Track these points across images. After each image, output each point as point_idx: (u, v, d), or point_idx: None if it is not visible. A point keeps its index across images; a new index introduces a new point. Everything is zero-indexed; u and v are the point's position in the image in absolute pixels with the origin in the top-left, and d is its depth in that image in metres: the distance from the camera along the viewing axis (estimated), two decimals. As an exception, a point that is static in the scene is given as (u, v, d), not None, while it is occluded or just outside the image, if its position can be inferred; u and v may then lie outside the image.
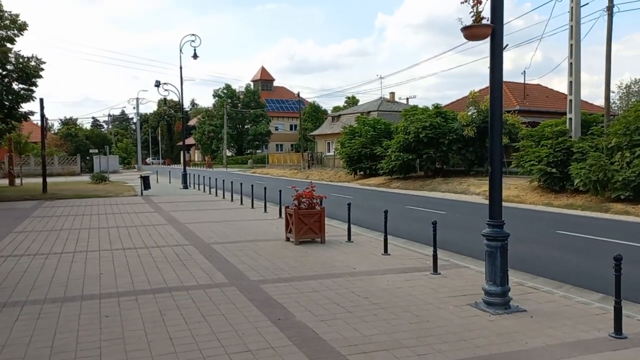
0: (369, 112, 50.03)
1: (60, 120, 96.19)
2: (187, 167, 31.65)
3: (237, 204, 20.22)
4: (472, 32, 6.72)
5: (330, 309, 6.68)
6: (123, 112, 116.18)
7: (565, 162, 20.52)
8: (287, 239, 11.75)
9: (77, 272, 8.77)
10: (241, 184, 21.31)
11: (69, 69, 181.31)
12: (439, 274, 8.64)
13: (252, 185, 19.89)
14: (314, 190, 11.74)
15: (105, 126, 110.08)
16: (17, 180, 34.10)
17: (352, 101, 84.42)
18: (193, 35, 30.22)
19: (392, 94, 56.32)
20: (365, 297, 7.26)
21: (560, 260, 10.13)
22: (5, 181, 34.10)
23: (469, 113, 28.97)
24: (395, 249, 10.80)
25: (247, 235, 12.62)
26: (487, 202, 7.14)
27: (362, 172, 36.64)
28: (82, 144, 58.08)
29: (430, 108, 31.24)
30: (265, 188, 18.27)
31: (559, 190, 20.89)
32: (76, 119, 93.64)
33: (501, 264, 6.73)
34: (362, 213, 17.13)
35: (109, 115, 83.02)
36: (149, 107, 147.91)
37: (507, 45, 24.46)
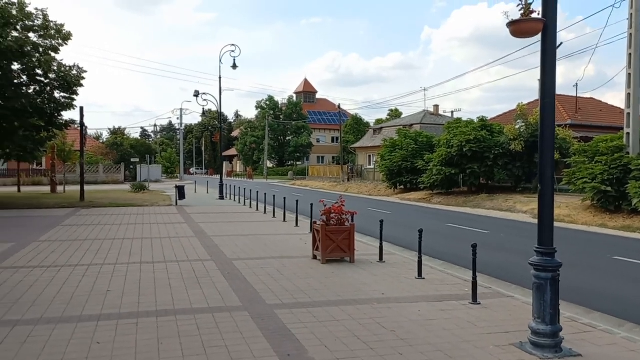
0: (412, 125, 48.90)
1: (109, 129, 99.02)
2: (228, 178, 31.52)
3: (269, 217, 19.57)
4: (519, 27, 5.79)
5: (350, 344, 5.82)
6: (170, 123, 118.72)
7: (622, 180, 18.95)
8: (314, 257, 10.94)
9: (85, 288, 8.21)
10: (274, 196, 20.68)
11: (121, 80, 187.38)
12: (479, 303, 7.64)
13: (285, 198, 19.18)
14: (343, 205, 10.90)
15: (153, 136, 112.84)
16: (60, 188, 34.63)
17: (395, 114, 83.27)
18: (233, 45, 30.10)
19: (436, 106, 54.98)
20: (392, 330, 6.36)
21: (619, 292, 8.93)
22: (50, 188, 34.64)
23: (517, 126, 27.53)
24: (431, 272, 9.82)
25: (272, 251, 11.88)
26: (534, 221, 6.15)
27: (402, 186, 35.52)
28: (126, 153, 59.15)
29: (475, 121, 29.88)
30: (297, 201, 17.53)
31: (615, 210, 19.29)
32: (124, 129, 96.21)
33: (551, 299, 5.71)
34: (398, 230, 16.16)
35: (155, 125, 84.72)
36: (194, 118, 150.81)
37: (561, 43, 23.03)
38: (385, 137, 40.69)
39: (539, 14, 5.78)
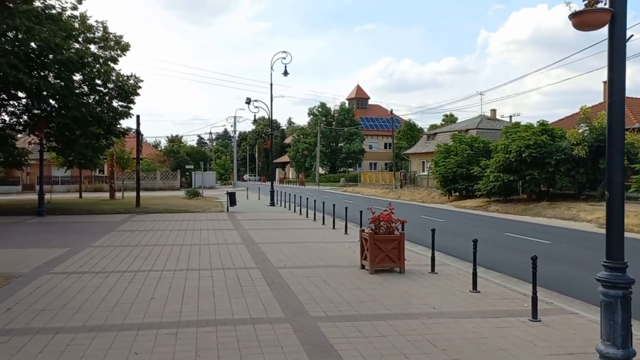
0: (468, 130, 47.60)
1: (167, 137, 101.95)
2: (280, 184, 31.61)
3: (318, 224, 19.32)
4: (583, 19, 5.24)
5: (396, 363, 5.42)
6: (225, 131, 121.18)
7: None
8: (362, 267, 10.56)
9: (130, 295, 8.17)
10: (323, 202, 20.41)
11: (181, 89, 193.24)
12: (539, 321, 7.06)
13: (334, 205, 18.87)
14: (393, 212, 10.47)
15: (209, 144, 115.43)
16: (119, 194, 35.74)
17: (449, 119, 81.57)
18: (284, 52, 30.19)
19: (494, 111, 53.34)
20: (444, 348, 5.91)
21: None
22: (109, 194, 35.80)
23: (580, 130, 26.16)
24: (487, 285, 9.24)
25: (319, 260, 11.58)
26: (600, 230, 5.58)
27: (457, 193, 34.51)
28: (182, 160, 60.60)
29: (535, 125, 28.60)
30: (346, 208, 17.19)
31: (691, 219, 17.86)
32: (181, 137, 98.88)
33: (623, 320, 5.10)
34: (452, 239, 15.51)
35: (210, 133, 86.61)
36: (248, 126, 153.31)
37: (631, 36, 21.42)
38: (439, 143, 39.71)
39: (605, 4, 5.22)
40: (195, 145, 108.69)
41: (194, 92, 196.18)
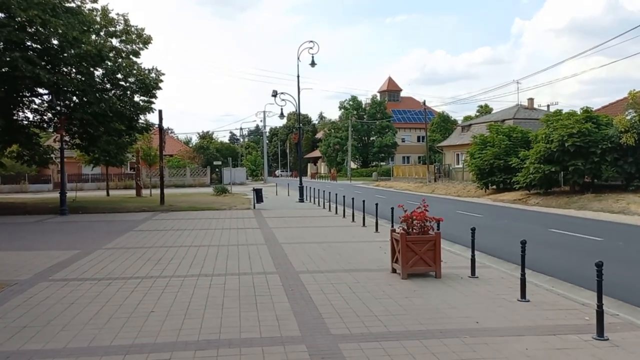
0: (504, 120, 45.53)
1: (198, 134, 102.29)
2: (311, 180, 30.64)
3: (347, 221, 18.20)
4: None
5: (434, 403, 4.27)
6: (257, 127, 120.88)
7: None
8: (393, 271, 9.40)
9: (127, 308, 7.23)
10: (353, 198, 19.24)
11: (213, 85, 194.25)
12: (607, 339, 5.81)
13: (364, 201, 17.66)
14: (427, 210, 9.26)
15: (241, 140, 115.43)
16: (146, 191, 35.34)
17: (484, 110, 79.01)
18: (311, 42, 29.03)
19: (531, 100, 51.05)
20: (492, 380, 4.73)
21: None
22: (143, 191, 35.28)
23: (628, 117, 24.26)
24: (537, 291, 7.97)
25: (345, 263, 10.46)
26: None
27: (494, 186, 32.82)
28: (212, 156, 60.19)
29: (579, 113, 26.72)
30: (377, 204, 15.99)
31: None
32: (212, 133, 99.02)
33: None
34: (492, 237, 14.16)
35: (241, 129, 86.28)
36: (279, 121, 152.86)
37: None
38: (475, 134, 37.97)
39: None
40: (228, 141, 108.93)
41: (226, 88, 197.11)
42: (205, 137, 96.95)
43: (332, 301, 7.49)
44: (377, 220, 15.77)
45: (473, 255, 9.23)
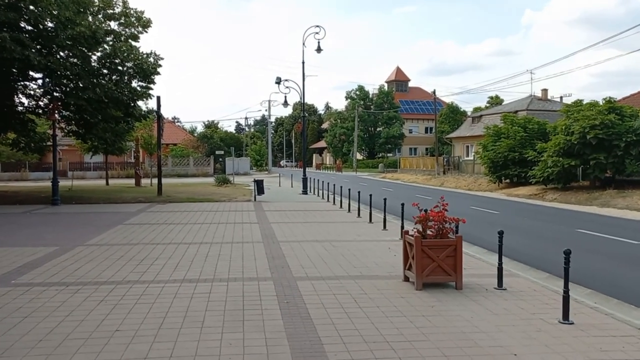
0: (517, 111, 43.93)
1: (204, 123, 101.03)
2: (317, 170, 29.38)
3: (353, 216, 16.95)
4: None
5: None
6: (263, 117, 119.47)
7: None
8: (406, 279, 8.15)
9: (89, 324, 6.02)
10: (359, 192, 17.95)
11: (219, 75, 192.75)
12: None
13: (371, 195, 16.36)
14: (446, 209, 7.98)
15: (247, 129, 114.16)
16: (146, 181, 34.17)
17: (495, 101, 77.21)
18: (317, 27, 27.65)
19: (545, 90, 49.41)
20: None
21: None
22: (142, 181, 33.99)
23: (655, 108, 22.79)
24: (579, 309, 6.71)
25: (350, 267, 9.21)
26: None
27: (507, 180, 31.43)
28: (216, 146, 59.02)
29: (601, 103, 25.20)
30: (385, 199, 14.69)
31: None
32: (217, 122, 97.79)
33: None
34: (514, 238, 12.85)
35: (246, 118, 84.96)
36: (284, 111, 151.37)
37: None
38: (486, 125, 36.48)
39: None
40: (234, 131, 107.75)
41: (232, 77, 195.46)
42: (211, 126, 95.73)
43: (334, 319, 6.26)
44: (385, 216, 14.51)
45: (500, 264, 7.93)
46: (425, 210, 8.09)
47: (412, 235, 7.96)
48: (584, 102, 26.22)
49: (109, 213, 18.23)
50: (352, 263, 9.54)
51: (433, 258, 7.65)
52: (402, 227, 12.53)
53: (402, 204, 12.68)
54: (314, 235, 12.99)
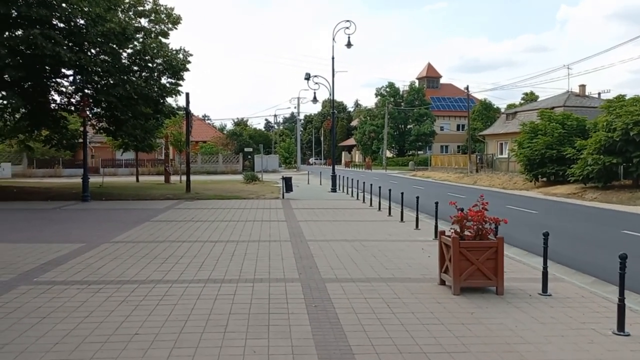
0: (553, 107, 42.58)
1: (233, 120, 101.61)
2: (346, 168, 28.96)
3: (384, 214, 16.46)
4: None
5: None
6: (292, 114, 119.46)
7: None
8: (442, 282, 7.66)
9: (108, 327, 5.73)
10: (390, 190, 17.41)
11: (250, 72, 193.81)
12: None
13: (402, 193, 15.86)
14: (486, 209, 7.46)
15: (275, 127, 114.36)
16: (175, 178, 34.26)
17: (529, 97, 75.35)
18: (348, 21, 27.12)
19: (582, 86, 47.76)
20: None
21: None
22: (172, 178, 34.11)
23: None
24: (634, 318, 6.12)
25: (382, 268, 8.76)
26: None
27: (544, 179, 30.39)
28: (245, 143, 59.06)
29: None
30: (417, 197, 14.11)
31: None
32: (246, 120, 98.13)
33: None
34: (556, 239, 12.13)
35: (275, 116, 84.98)
36: (313, 108, 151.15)
37: None
38: (522, 122, 35.37)
39: None
40: (263, 129, 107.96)
41: (262, 75, 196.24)
42: (240, 123, 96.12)
43: (365, 325, 5.83)
44: (417, 215, 13.96)
45: (545, 268, 7.36)
46: (462, 210, 7.60)
47: (449, 236, 7.47)
48: (627, 98, 25.07)
49: (137, 210, 18.16)
50: (383, 264, 9.08)
51: (472, 261, 7.15)
52: (437, 227, 12.03)
53: (436, 203, 12.14)
54: (343, 234, 12.57)
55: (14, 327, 5.69)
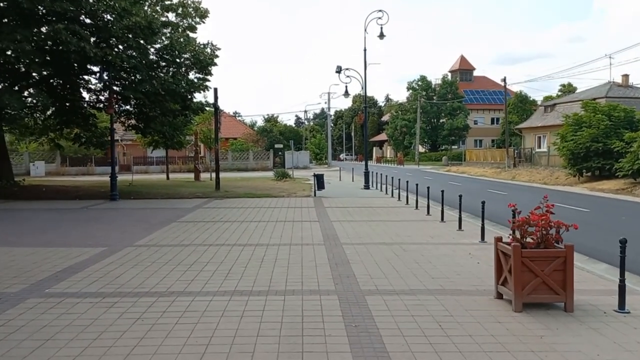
0: (594, 99, 40.54)
1: (264, 117, 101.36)
2: (377, 164, 28.00)
3: (421, 213, 15.48)
4: None
5: None
6: (322, 110, 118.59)
7: None
8: (499, 296, 6.69)
9: (115, 356, 4.98)
10: (428, 187, 16.35)
11: (280, 68, 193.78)
12: None
13: (442, 191, 14.83)
14: (551, 212, 6.45)
15: (305, 122, 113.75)
16: (206, 175, 33.82)
17: (567, 89, 72.65)
18: (380, 11, 26.08)
19: (625, 76, 45.47)
20: None
21: None
22: (202, 175, 33.66)
23: None
24: None
25: (427, 277, 7.83)
26: None
27: (588, 174, 28.78)
28: (275, 139, 58.54)
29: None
30: (460, 196, 13.06)
31: None
32: (277, 116, 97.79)
33: None
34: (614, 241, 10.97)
35: (305, 112, 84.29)
36: (345, 102, 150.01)
37: None
38: (563, 114, 33.66)
39: None
40: (293, 125, 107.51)
41: (293, 71, 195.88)
42: (270, 120, 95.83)
43: (417, 353, 4.94)
44: (460, 215, 12.91)
45: (622, 281, 6.31)
46: (513, 212, 6.63)
47: (507, 243, 6.50)
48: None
49: (165, 209, 17.60)
50: (428, 272, 8.14)
51: (536, 272, 6.17)
52: (483, 229, 11.02)
53: (483, 202, 11.09)
54: (380, 236, 11.66)
55: (11, 353, 4.99)
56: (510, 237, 6.65)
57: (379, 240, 11.13)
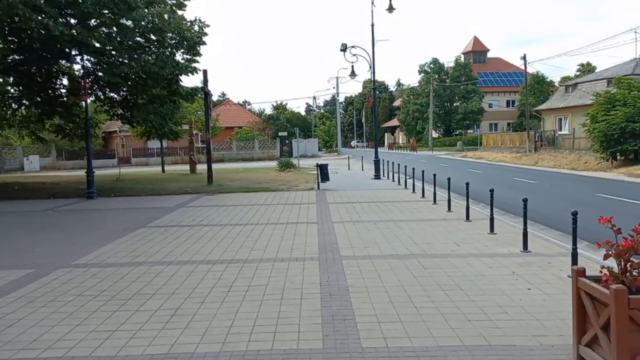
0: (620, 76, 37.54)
1: (272, 105, 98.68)
2: (389, 150, 25.52)
3: (441, 209, 12.93)
4: None
5: None
6: (333, 97, 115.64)
7: None
8: (579, 358, 4.15)
9: None
10: (449, 178, 13.70)
11: (287, 52, 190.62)
12: None
13: (467, 184, 12.16)
14: (669, 230, 3.86)
15: (315, 110, 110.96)
16: (203, 167, 31.36)
17: (586, 68, 69.09)
18: (388, -19, 23.32)
19: (656, 50, 42.03)
20: None
21: None
22: (199, 167, 31.20)
23: None
24: None
25: (463, 320, 5.27)
26: None
27: (622, 157, 25.92)
28: (282, 127, 56.00)
29: None
30: (491, 191, 10.39)
31: None
32: (285, 103, 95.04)
33: None
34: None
35: (314, 98, 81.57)
36: (354, 88, 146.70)
37: None
38: (594, 92, 30.62)
39: None
40: (303, 112, 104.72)
41: (301, 57, 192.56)
42: (279, 107, 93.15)
43: None
44: (492, 215, 10.29)
45: None
46: (613, 226, 4.09)
47: (597, 279, 3.96)
48: None
49: (142, 209, 15.22)
50: (461, 310, 5.61)
51: (654, 334, 3.62)
52: (525, 234, 8.45)
53: (525, 200, 8.47)
54: (392, 244, 9.13)
55: None
56: (602, 270, 4.09)
57: (389, 250, 8.62)
